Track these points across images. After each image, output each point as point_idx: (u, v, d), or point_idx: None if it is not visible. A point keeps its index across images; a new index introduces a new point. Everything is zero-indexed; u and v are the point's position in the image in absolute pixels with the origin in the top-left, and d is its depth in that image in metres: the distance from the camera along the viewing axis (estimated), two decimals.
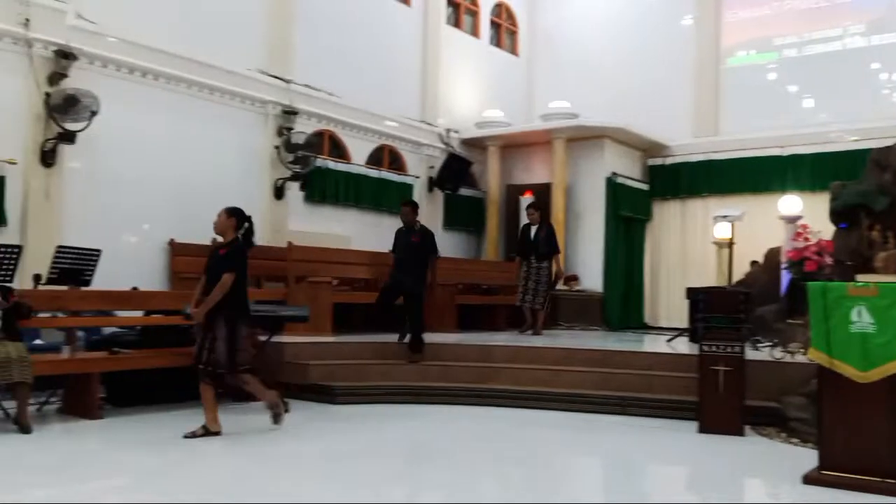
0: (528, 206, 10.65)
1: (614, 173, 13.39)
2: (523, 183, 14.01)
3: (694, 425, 6.47)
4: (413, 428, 6.64)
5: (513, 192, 14.07)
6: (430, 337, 8.51)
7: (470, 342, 8.91)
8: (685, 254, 13.98)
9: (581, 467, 5.86)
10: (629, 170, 13.94)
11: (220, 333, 5.88)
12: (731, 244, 11.02)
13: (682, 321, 10.50)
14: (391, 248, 8.90)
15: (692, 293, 9.49)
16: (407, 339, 8.29)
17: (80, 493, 4.47)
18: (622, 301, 13.49)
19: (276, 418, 6.19)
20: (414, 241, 8.48)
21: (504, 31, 15.60)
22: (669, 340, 9.75)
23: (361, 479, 4.88)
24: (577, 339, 10.20)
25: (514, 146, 14.10)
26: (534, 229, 10.16)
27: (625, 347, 9.08)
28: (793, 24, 13.66)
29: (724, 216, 11.36)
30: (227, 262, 5.98)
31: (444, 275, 11.02)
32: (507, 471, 5.32)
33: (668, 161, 14.29)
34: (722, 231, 11.65)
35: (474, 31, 14.86)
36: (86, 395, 6.51)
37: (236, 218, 6.22)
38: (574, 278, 13.18)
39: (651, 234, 14.47)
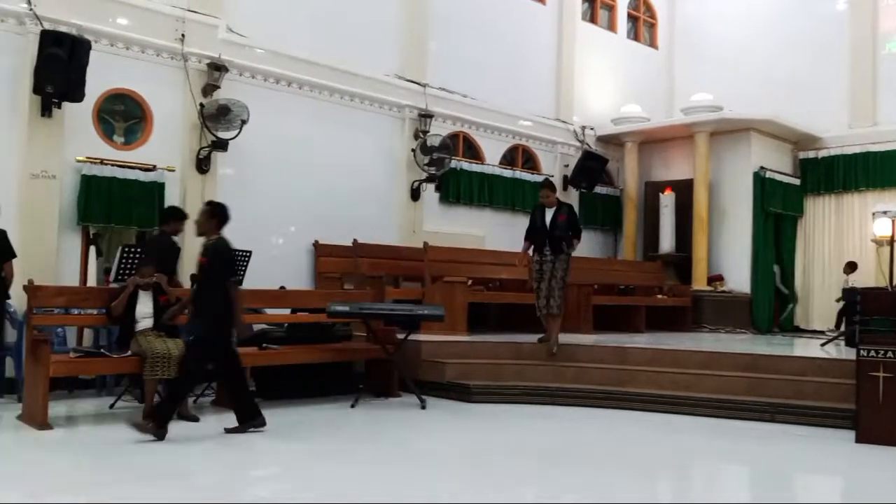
0: (542, 186, 8.38)
1: (762, 167, 12.77)
2: (663, 180, 13.60)
3: (850, 435, 6.05)
4: (548, 429, 6.58)
5: (652, 190, 13.69)
6: (565, 338, 8.41)
7: (606, 343, 8.73)
8: (840, 252, 13.08)
9: (726, 476, 5.60)
10: (778, 163, 13.23)
11: None
12: (891, 242, 10.24)
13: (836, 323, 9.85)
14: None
15: (848, 294, 8.91)
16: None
17: (240, 479, 4.74)
18: (771, 302, 12.82)
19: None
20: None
21: (642, 23, 15.19)
22: (823, 345, 9.18)
23: (497, 479, 4.89)
24: (722, 343, 9.77)
25: (653, 142, 13.72)
26: (549, 214, 8.07)
27: (774, 351, 8.60)
28: None
29: (884, 212, 10.59)
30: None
31: (580, 275, 10.89)
32: (646, 476, 5.16)
33: (822, 154, 13.46)
34: (881, 228, 10.90)
35: (611, 26, 14.57)
36: None
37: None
38: (719, 278, 12.66)
39: (802, 232, 13.68)
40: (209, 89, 8.81)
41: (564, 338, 8.35)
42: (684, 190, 13.02)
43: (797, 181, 13.49)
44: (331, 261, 9.78)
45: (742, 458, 5.86)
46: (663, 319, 11.93)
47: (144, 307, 6.41)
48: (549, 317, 8.07)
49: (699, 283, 12.56)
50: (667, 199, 13.26)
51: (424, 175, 10.84)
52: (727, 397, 7.18)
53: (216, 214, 5.95)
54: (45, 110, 7.63)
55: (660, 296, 12.35)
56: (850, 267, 11.90)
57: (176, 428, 5.99)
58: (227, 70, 8.89)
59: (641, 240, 13.72)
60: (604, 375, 7.85)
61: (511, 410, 7.19)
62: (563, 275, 7.98)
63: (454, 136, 11.57)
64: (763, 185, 12.73)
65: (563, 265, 7.99)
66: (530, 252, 8.21)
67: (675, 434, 6.50)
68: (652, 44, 15.36)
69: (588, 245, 13.53)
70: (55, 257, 7.74)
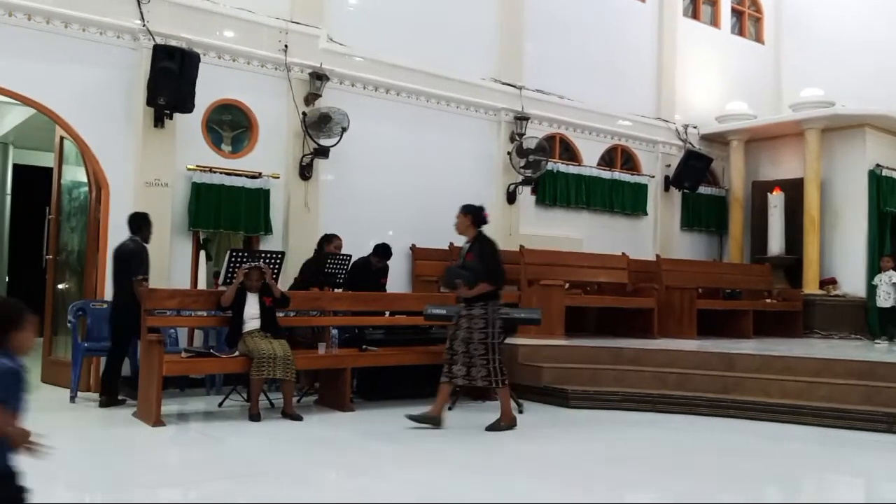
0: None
1: (878, 165, 12.09)
2: (771, 179, 13.07)
3: None
4: (651, 437, 6.42)
5: (759, 190, 13.17)
6: (667, 343, 8.19)
7: (711, 349, 8.44)
8: None
9: (839, 489, 5.31)
10: (895, 161, 12.48)
11: None
12: None
13: None
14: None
15: None
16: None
17: (333, 477, 4.85)
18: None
19: None
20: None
21: (747, 18, 14.65)
22: None
23: (599, 488, 4.80)
24: (836, 349, 9.28)
25: (760, 140, 13.22)
26: (464, 248, 6.46)
27: (893, 359, 8.11)
28: None
29: None
30: None
31: (683, 278, 10.61)
32: (755, 486, 4.96)
33: None
34: None
35: (714, 21, 14.11)
36: (339, 389, 7.05)
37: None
38: (832, 282, 12.06)
39: None
40: (311, 98, 9.06)
41: (666, 343, 8.13)
42: (794, 189, 12.46)
43: None
44: (427, 264, 9.88)
45: (856, 471, 5.55)
46: (772, 325, 11.45)
47: (252, 309, 6.66)
48: (486, 389, 6.62)
49: (810, 287, 11.99)
50: (775, 200, 12.73)
51: (520, 178, 10.79)
52: (841, 406, 6.82)
53: None
54: (158, 121, 8.03)
55: (768, 300, 11.87)
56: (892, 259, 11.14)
57: (280, 427, 6.19)
58: (327, 79, 9.12)
59: (748, 242, 13.23)
60: (709, 382, 7.60)
61: (611, 417, 7.05)
62: (482, 337, 6.13)
63: (551, 138, 11.47)
64: (879, 184, 12.05)
65: (479, 323, 6.15)
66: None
67: (785, 444, 6.22)
68: (758, 38, 14.79)
69: (692, 247, 13.19)
70: (168, 261, 8.12)
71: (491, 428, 6.21)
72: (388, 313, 8.22)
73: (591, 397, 7.46)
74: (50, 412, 6.71)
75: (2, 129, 12.14)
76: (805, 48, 14.35)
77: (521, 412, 6.97)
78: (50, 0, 7.60)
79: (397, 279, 9.69)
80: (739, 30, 14.56)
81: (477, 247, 6.29)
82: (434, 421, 6.23)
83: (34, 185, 11.56)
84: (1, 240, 12.74)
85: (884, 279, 10.81)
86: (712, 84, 13.81)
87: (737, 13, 14.51)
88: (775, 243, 12.66)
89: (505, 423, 6.26)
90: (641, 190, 12.47)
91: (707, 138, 13.41)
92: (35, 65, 7.57)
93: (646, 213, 12.59)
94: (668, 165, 12.84)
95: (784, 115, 12.99)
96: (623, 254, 10.76)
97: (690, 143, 13.08)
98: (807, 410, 6.89)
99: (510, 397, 6.55)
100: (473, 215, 6.40)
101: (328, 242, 8.36)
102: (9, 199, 12.87)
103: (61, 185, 8.70)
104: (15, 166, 12.99)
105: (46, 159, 10.25)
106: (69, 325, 7.42)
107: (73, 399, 7.07)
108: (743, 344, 9.47)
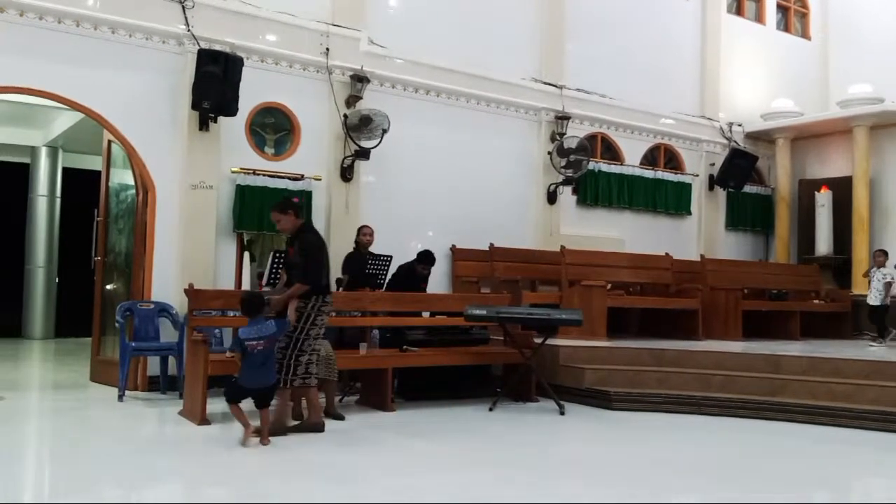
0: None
1: None
2: (818, 177, 12.81)
3: None
4: (696, 439, 6.32)
5: (806, 188, 12.91)
6: (712, 345, 8.07)
7: (756, 351, 8.29)
8: None
9: (890, 495, 5.17)
10: None
11: None
12: None
13: None
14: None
15: None
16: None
17: (373, 476, 4.87)
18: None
19: None
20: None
21: (793, 13, 14.35)
22: None
23: (645, 491, 4.73)
24: (890, 351, 9.03)
25: (807, 137, 12.97)
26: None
27: None
28: None
29: None
30: None
31: (727, 279, 10.44)
32: (803, 491, 4.86)
33: None
34: None
35: (759, 18, 13.86)
36: (381, 389, 7.08)
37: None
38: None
39: None
40: (352, 100, 9.12)
41: (710, 345, 8.00)
42: (842, 188, 12.19)
43: None
44: (467, 265, 9.88)
45: None
46: (819, 326, 11.20)
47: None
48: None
49: (860, 288, 11.68)
50: (823, 198, 12.47)
51: (561, 178, 10.72)
52: (891, 410, 6.64)
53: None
54: (203, 125, 8.16)
55: (816, 301, 11.62)
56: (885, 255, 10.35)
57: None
58: (368, 81, 9.17)
59: (795, 241, 12.97)
60: (754, 384, 7.46)
61: (654, 419, 6.97)
62: (290, 331, 5.69)
63: (592, 138, 11.38)
64: None
65: (302, 321, 5.74)
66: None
67: (833, 448, 6.08)
68: (804, 34, 14.49)
69: (737, 247, 12.97)
70: (213, 263, 8.24)
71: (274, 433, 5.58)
72: (427, 314, 8.25)
73: (633, 399, 7.38)
74: (98, 410, 6.87)
75: (51, 133, 12.46)
76: (853, 44, 14.00)
77: (562, 413, 6.93)
78: (98, 7, 7.78)
79: (437, 280, 9.70)
80: (785, 26, 14.27)
81: (297, 243, 5.86)
82: (316, 427, 5.89)
83: (83, 188, 11.84)
84: (51, 242, 13.07)
85: (877, 276, 10.15)
86: (757, 81, 13.57)
87: (782, 9, 14.23)
88: (823, 243, 12.39)
89: (276, 428, 5.64)
90: (685, 189, 12.31)
91: (752, 136, 13.18)
92: (83, 70, 7.74)
93: (690, 213, 12.42)
94: (713, 164, 12.65)
95: (832, 112, 12.73)
96: (666, 254, 10.63)
97: (735, 142, 12.87)
98: (855, 414, 6.72)
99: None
100: (293, 209, 5.91)
101: (358, 233, 8.53)
102: (59, 201, 13.21)
103: (109, 188, 8.90)
104: (64, 170, 13.33)
105: (95, 163, 10.49)
106: (117, 325, 7.58)
107: (121, 398, 7.21)
108: (790, 346, 9.28)
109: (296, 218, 5.90)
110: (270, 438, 5.47)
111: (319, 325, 5.84)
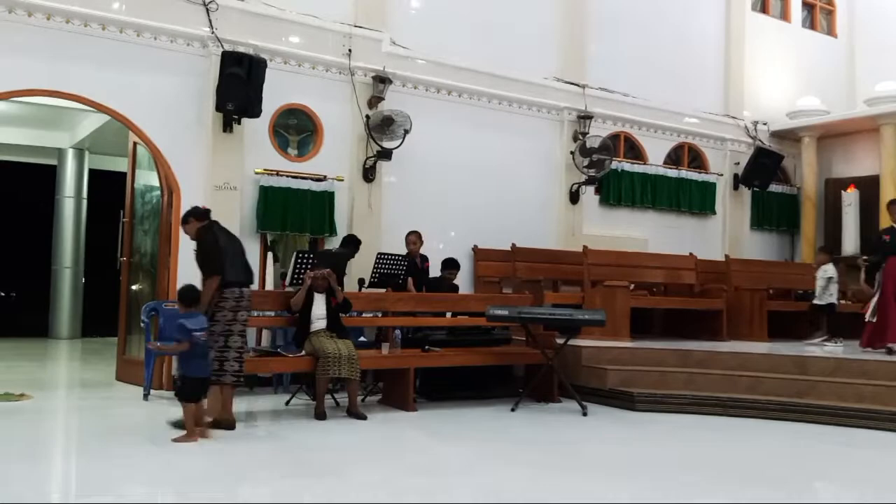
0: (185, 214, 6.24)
1: None
2: (845, 176, 12.65)
3: None
4: (721, 441, 6.25)
5: (833, 187, 12.77)
6: (737, 346, 7.98)
7: (783, 352, 8.20)
8: None
9: None
10: None
11: None
12: None
13: None
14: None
15: None
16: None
17: (396, 477, 4.87)
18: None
19: None
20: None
21: (819, 11, 14.19)
22: None
23: (670, 493, 4.70)
24: None
25: (834, 136, 12.82)
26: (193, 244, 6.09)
27: None
28: None
29: None
30: None
31: (753, 279, 10.33)
32: (834, 492, 4.79)
33: None
34: None
35: (784, 15, 13.72)
36: (402, 389, 7.08)
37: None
38: None
39: None
40: (374, 101, 9.14)
41: (736, 345, 7.92)
42: (870, 187, 12.02)
43: None
44: (489, 265, 9.86)
45: None
46: (846, 326, 11.04)
47: (319, 309, 6.75)
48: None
49: None
50: (850, 198, 12.31)
51: (584, 177, 10.68)
52: None
53: None
54: (227, 126, 8.22)
55: (843, 301, 11.45)
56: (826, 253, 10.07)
57: (346, 425, 6.25)
58: (390, 82, 9.19)
59: (821, 241, 12.80)
60: (781, 386, 7.37)
61: (679, 420, 6.90)
62: (222, 330, 5.82)
63: (615, 137, 11.32)
64: None
65: (221, 314, 5.85)
66: None
67: (861, 450, 5.98)
68: (830, 32, 14.32)
69: (762, 247, 12.85)
70: None
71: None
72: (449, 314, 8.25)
73: (658, 400, 7.32)
74: (124, 409, 6.94)
75: (78, 135, 12.62)
76: (880, 41, 13.80)
77: (584, 414, 6.89)
78: (123, 10, 7.86)
79: (459, 280, 9.68)
80: (811, 23, 14.11)
81: (196, 244, 5.99)
82: (226, 424, 5.86)
83: (109, 189, 11.97)
84: (78, 242, 13.24)
85: (819, 274, 9.85)
86: (782, 79, 13.43)
87: (808, 6, 14.07)
88: (850, 243, 12.23)
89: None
90: (709, 189, 12.21)
91: (777, 135, 13.05)
92: (109, 73, 7.83)
93: (714, 213, 12.32)
94: (737, 163, 12.54)
95: (858, 111, 12.57)
96: (690, 254, 10.55)
97: (760, 141, 12.74)
98: (884, 416, 6.62)
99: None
100: (195, 216, 6.05)
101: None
102: (85, 203, 13.38)
103: (134, 189, 8.99)
104: (90, 171, 13.50)
105: (120, 164, 10.62)
106: (142, 324, 7.66)
107: (146, 397, 7.28)
108: (816, 347, 9.16)
109: (198, 222, 6.00)
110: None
111: (220, 320, 5.83)
